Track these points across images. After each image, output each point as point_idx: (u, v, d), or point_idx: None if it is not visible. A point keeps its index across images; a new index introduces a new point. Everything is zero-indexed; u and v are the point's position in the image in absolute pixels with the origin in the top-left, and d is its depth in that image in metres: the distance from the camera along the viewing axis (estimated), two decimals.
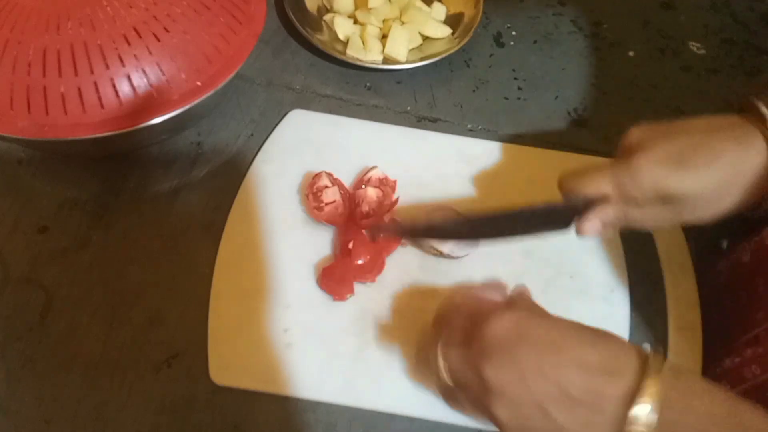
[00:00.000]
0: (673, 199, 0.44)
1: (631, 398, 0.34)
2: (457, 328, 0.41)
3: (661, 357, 0.36)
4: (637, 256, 0.56)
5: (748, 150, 0.43)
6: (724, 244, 0.55)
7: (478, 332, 0.39)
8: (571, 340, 0.37)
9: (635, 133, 0.46)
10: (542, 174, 0.60)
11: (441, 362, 0.41)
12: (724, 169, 0.43)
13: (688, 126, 0.45)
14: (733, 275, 0.53)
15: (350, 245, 0.52)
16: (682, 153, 0.43)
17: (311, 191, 0.55)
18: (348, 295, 0.52)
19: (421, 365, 0.44)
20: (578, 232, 0.47)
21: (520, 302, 0.43)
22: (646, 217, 0.46)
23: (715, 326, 0.52)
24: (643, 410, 0.34)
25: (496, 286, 0.45)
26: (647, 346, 0.37)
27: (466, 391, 0.40)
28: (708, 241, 0.59)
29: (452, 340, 0.41)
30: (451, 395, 0.42)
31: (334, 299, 0.52)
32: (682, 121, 0.45)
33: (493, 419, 0.38)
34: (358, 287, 0.52)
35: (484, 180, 0.60)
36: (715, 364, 0.51)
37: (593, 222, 0.46)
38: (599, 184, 0.45)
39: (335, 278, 0.52)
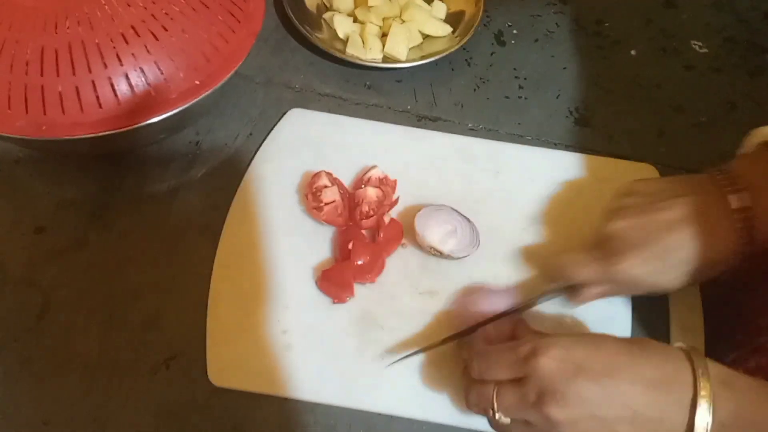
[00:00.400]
0: (653, 286, 0.48)
1: (693, 403, 0.37)
2: (501, 367, 0.42)
3: (703, 356, 0.38)
4: None
5: (715, 233, 0.46)
6: None
7: (529, 370, 0.40)
8: (622, 359, 0.39)
9: (618, 224, 0.48)
10: (543, 173, 0.60)
11: (497, 410, 0.42)
12: (698, 263, 0.46)
13: (662, 217, 0.47)
14: (735, 281, 0.53)
15: (350, 245, 0.51)
16: (659, 257, 0.46)
17: (310, 191, 0.55)
18: (348, 298, 0.51)
19: (468, 406, 0.44)
20: (574, 305, 0.51)
21: (546, 334, 0.44)
22: (631, 293, 0.52)
23: (718, 331, 0.52)
24: (703, 413, 0.37)
25: (504, 292, 0.49)
26: (682, 346, 0.40)
27: (529, 427, 0.41)
28: None
29: (498, 378, 0.42)
30: (505, 428, 0.43)
31: (334, 302, 0.51)
32: (656, 212, 0.47)
33: None
34: (358, 288, 0.52)
35: (485, 180, 0.59)
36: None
37: (582, 300, 0.50)
38: (588, 274, 0.48)
39: (335, 281, 0.51)
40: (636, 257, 0.47)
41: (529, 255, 0.55)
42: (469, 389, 0.44)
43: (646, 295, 0.50)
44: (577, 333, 0.43)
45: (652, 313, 0.54)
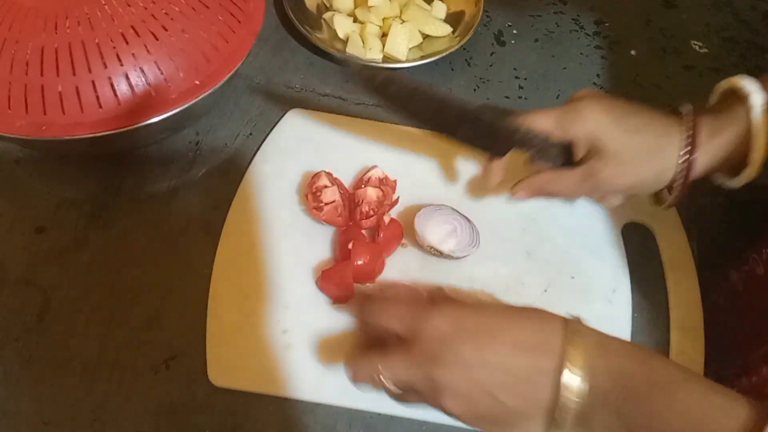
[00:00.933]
0: (601, 151, 0.49)
1: (560, 368, 0.36)
2: (393, 316, 0.41)
3: (583, 325, 0.38)
4: (639, 257, 0.56)
5: (671, 129, 0.48)
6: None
7: (415, 336, 0.39)
8: (502, 323, 0.39)
9: (585, 91, 0.52)
10: None
11: (385, 377, 0.40)
12: (650, 136, 0.49)
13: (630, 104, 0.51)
14: (746, 287, 0.53)
15: (350, 245, 0.51)
16: (622, 114, 0.49)
17: (310, 191, 0.55)
18: (348, 298, 0.51)
19: (353, 379, 0.42)
20: (512, 194, 0.53)
21: (437, 298, 0.42)
22: (577, 187, 0.51)
23: (727, 337, 0.52)
24: (571, 378, 0.36)
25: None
26: (570, 316, 0.39)
27: (417, 394, 0.41)
28: (710, 241, 0.58)
29: (389, 327, 0.41)
30: (402, 399, 0.42)
31: (333, 303, 0.51)
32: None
33: (446, 412, 0.40)
34: (358, 288, 0.52)
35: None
36: (730, 381, 0.51)
37: (523, 191, 0.53)
38: (546, 120, 0.50)
39: (335, 281, 0.51)
40: (602, 105, 0.49)
41: (529, 254, 0.55)
42: (354, 359, 0.42)
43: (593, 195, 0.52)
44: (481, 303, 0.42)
45: (651, 313, 0.54)
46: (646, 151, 0.49)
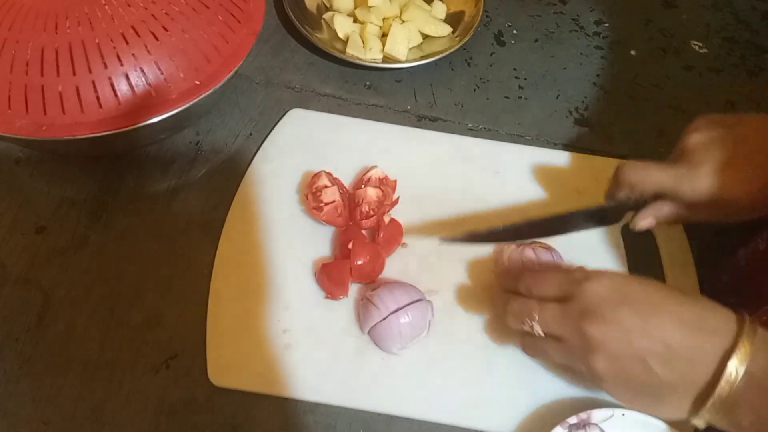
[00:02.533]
0: (728, 201, 0.47)
1: (727, 355, 0.38)
2: (550, 284, 0.44)
3: (756, 323, 0.39)
4: (639, 255, 0.56)
5: None
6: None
7: (577, 291, 0.42)
8: (669, 300, 0.41)
9: (695, 137, 0.49)
10: (544, 173, 0.60)
11: (536, 321, 0.43)
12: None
13: (740, 131, 0.48)
14: (748, 262, 0.54)
15: (350, 245, 0.51)
16: (735, 163, 0.47)
17: (310, 191, 0.55)
18: (341, 296, 0.51)
19: (505, 316, 0.46)
20: (632, 227, 0.52)
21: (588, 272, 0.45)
22: (697, 217, 0.51)
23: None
24: (737, 365, 0.37)
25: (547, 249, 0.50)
26: (739, 312, 0.40)
27: (562, 344, 0.43)
28: (709, 239, 0.58)
29: (545, 294, 0.44)
30: (534, 345, 0.45)
31: (326, 297, 0.52)
32: (735, 123, 0.49)
33: (589, 370, 0.41)
34: (358, 288, 0.52)
35: (485, 180, 0.59)
36: None
37: (648, 220, 0.51)
38: (660, 184, 0.49)
39: (333, 278, 0.51)
40: (715, 165, 0.47)
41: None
42: (512, 300, 0.45)
43: (711, 221, 0.50)
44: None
45: None
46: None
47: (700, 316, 0.40)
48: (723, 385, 0.38)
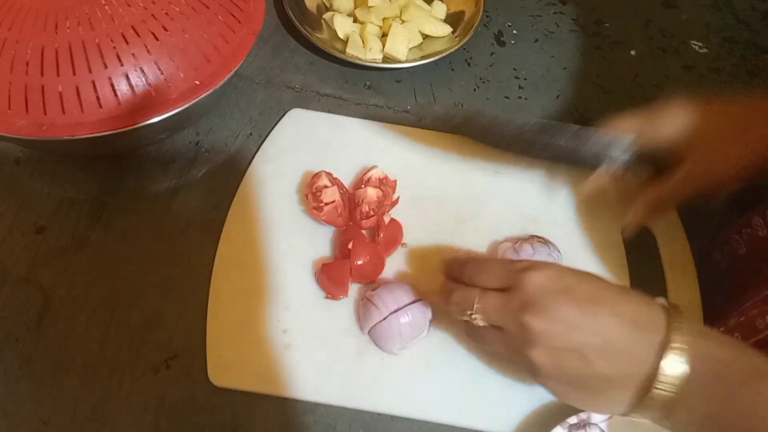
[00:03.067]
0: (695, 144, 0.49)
1: (663, 349, 0.38)
2: (492, 273, 0.44)
3: (681, 311, 0.40)
4: (639, 256, 0.56)
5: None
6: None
7: (518, 281, 0.42)
8: (608, 294, 0.41)
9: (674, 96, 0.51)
10: (543, 173, 0.60)
11: (475, 304, 0.43)
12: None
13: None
14: (748, 249, 0.54)
15: (350, 245, 0.51)
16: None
17: (310, 191, 0.55)
18: (341, 296, 0.51)
19: (447, 305, 0.46)
20: (623, 234, 0.54)
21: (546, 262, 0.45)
22: (672, 195, 0.52)
23: (726, 295, 0.54)
24: (674, 359, 0.37)
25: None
26: (662, 300, 0.41)
27: (502, 334, 0.43)
28: (709, 240, 0.58)
29: (487, 284, 0.44)
30: (476, 332, 0.45)
31: (326, 297, 0.52)
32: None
33: (528, 362, 0.41)
34: (358, 287, 0.52)
35: (485, 180, 0.59)
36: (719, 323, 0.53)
37: (632, 223, 0.53)
38: (633, 121, 0.51)
39: (333, 278, 0.51)
40: (685, 105, 0.50)
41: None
42: (453, 289, 0.46)
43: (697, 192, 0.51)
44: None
45: None
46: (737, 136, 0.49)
47: (636, 310, 0.40)
48: (661, 382, 0.38)
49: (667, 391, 0.38)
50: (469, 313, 0.44)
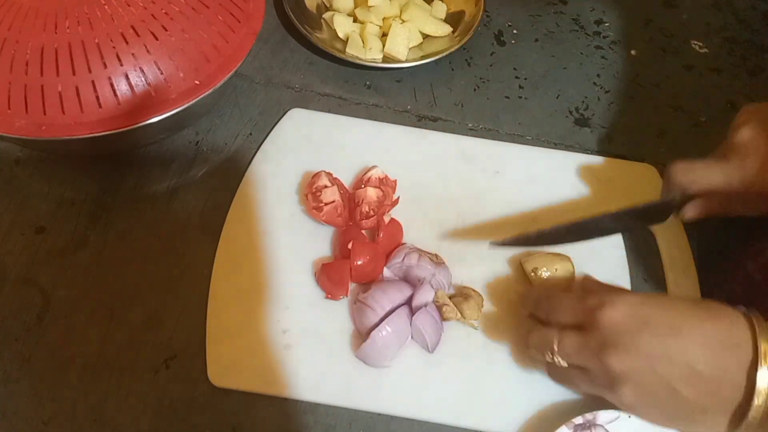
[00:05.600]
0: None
1: (754, 364, 0.37)
2: (565, 311, 0.43)
3: (763, 319, 0.39)
4: (639, 257, 0.56)
5: None
6: None
7: (594, 320, 0.41)
8: (689, 320, 0.40)
9: (745, 132, 0.47)
10: (544, 173, 0.60)
11: (557, 352, 0.43)
12: None
13: None
14: (764, 277, 0.54)
15: (350, 245, 0.51)
16: None
17: (310, 191, 0.55)
18: (341, 296, 0.51)
19: (528, 348, 0.46)
20: (681, 217, 0.51)
21: (616, 288, 0.45)
22: (747, 210, 0.49)
23: None
24: (765, 374, 0.37)
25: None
26: (744, 310, 0.40)
27: (587, 375, 0.42)
28: (709, 241, 0.58)
29: (563, 321, 0.43)
30: (560, 373, 0.45)
31: (326, 297, 0.52)
32: None
33: (616, 400, 0.41)
34: (352, 290, 0.52)
35: (485, 180, 0.59)
36: None
37: (697, 212, 0.50)
38: (710, 181, 0.48)
39: (333, 278, 0.51)
40: (763, 158, 0.46)
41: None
42: (532, 330, 0.45)
43: (756, 213, 0.49)
44: (647, 293, 0.44)
45: None
46: None
47: (721, 330, 0.39)
48: (757, 399, 0.37)
49: (764, 407, 0.37)
50: (550, 355, 0.43)
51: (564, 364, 0.43)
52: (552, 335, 0.43)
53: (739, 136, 0.48)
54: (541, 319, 0.45)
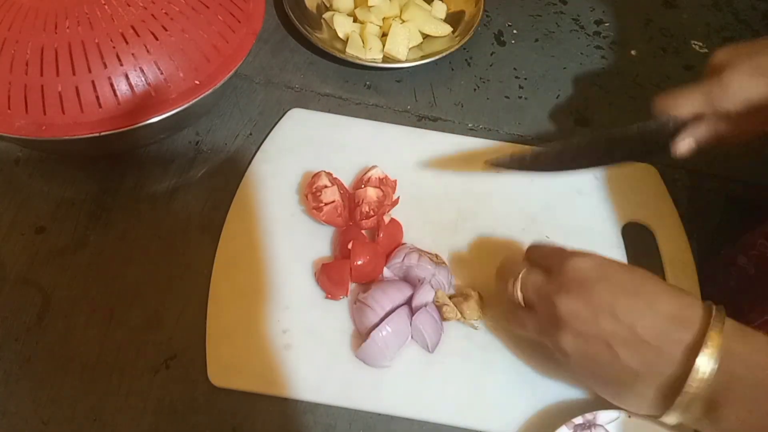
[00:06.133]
0: (762, 106, 0.46)
1: (697, 347, 0.37)
2: (541, 257, 0.45)
3: (724, 313, 0.38)
4: (639, 254, 0.56)
5: None
6: None
7: (560, 265, 0.42)
8: (646, 287, 0.40)
9: (720, 55, 0.48)
10: (543, 173, 0.60)
11: (518, 283, 0.44)
12: None
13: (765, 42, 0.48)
14: (757, 270, 0.54)
15: (350, 245, 0.51)
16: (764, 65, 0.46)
17: (310, 191, 0.55)
18: (341, 296, 0.51)
19: (498, 282, 0.48)
20: (674, 153, 0.50)
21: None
22: (737, 130, 0.49)
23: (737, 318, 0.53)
24: (706, 358, 0.36)
25: None
26: (711, 303, 0.39)
27: (537, 316, 0.43)
28: (709, 240, 0.58)
29: (534, 266, 0.44)
30: (516, 315, 0.46)
31: (326, 297, 0.52)
32: (763, 39, 0.48)
33: (556, 346, 0.42)
34: (351, 290, 0.52)
35: (485, 180, 0.59)
36: None
37: (687, 141, 0.49)
38: (693, 102, 0.48)
39: (333, 278, 0.51)
40: (744, 67, 0.46)
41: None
42: (505, 263, 0.48)
43: (750, 135, 0.49)
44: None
45: None
46: None
47: (674, 305, 0.39)
48: (692, 381, 0.37)
49: (697, 393, 0.37)
50: (511, 284, 0.45)
51: (519, 294, 0.44)
52: (520, 267, 0.45)
53: (717, 57, 0.49)
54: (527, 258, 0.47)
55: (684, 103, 0.48)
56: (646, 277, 0.41)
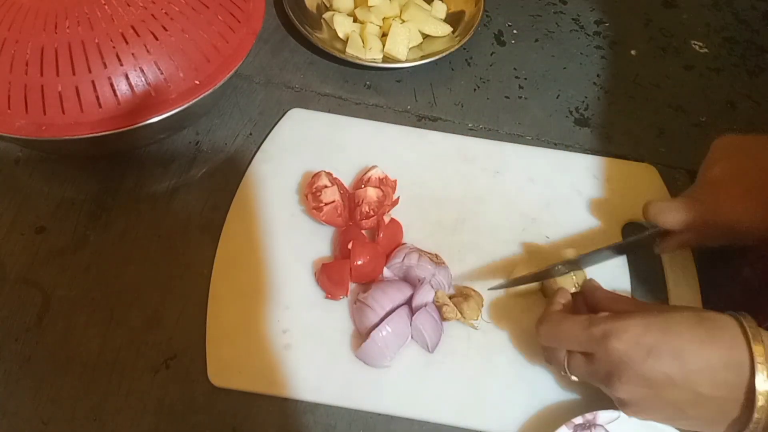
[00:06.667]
0: (752, 228, 0.48)
1: (753, 375, 0.38)
2: (573, 340, 0.44)
3: (756, 324, 0.40)
4: (639, 256, 0.56)
5: None
6: None
7: (599, 350, 0.42)
8: (690, 345, 0.40)
9: (717, 171, 0.50)
10: (543, 173, 0.60)
11: (565, 366, 0.45)
12: None
13: (765, 161, 0.49)
14: (761, 283, 0.54)
15: (350, 245, 0.51)
16: (758, 195, 0.48)
17: (310, 191, 0.55)
18: (341, 296, 0.51)
19: (546, 360, 0.48)
20: (660, 252, 0.54)
21: (621, 304, 0.46)
22: (722, 239, 0.51)
23: None
24: (763, 381, 0.38)
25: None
26: (735, 314, 0.41)
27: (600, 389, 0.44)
28: (739, 255, 0.58)
29: (570, 348, 0.44)
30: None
31: (326, 297, 0.52)
32: (759, 150, 0.50)
33: (626, 414, 0.43)
34: (351, 290, 0.52)
35: (485, 180, 0.59)
36: None
37: (672, 245, 0.53)
38: (684, 218, 0.50)
39: (333, 278, 0.51)
40: (735, 195, 0.48)
41: (529, 255, 0.55)
42: (545, 351, 0.47)
43: (727, 244, 0.51)
44: (650, 309, 0.44)
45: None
46: None
47: (722, 352, 0.40)
48: (758, 402, 0.38)
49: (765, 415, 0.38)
50: (563, 373, 0.45)
51: (576, 380, 0.45)
52: (561, 356, 0.45)
53: (713, 172, 0.50)
54: (546, 344, 0.47)
55: (676, 218, 0.50)
56: (683, 330, 0.41)
